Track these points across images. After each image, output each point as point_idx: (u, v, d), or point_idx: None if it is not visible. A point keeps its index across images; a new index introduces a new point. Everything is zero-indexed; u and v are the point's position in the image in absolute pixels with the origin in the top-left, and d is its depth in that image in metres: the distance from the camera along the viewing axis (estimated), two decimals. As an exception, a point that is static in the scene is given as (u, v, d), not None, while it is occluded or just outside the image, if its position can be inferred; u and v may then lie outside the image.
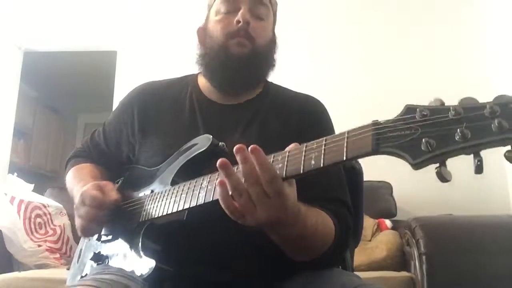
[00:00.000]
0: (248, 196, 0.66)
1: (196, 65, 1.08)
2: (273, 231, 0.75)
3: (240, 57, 0.98)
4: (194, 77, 1.11)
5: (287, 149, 0.68)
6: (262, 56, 1.02)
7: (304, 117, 1.01)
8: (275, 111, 1.02)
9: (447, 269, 1.92)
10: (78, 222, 0.94)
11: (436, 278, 1.90)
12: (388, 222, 2.43)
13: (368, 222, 2.35)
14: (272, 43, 1.06)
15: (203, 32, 1.07)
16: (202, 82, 1.09)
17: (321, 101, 1.09)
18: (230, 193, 0.67)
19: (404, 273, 2.04)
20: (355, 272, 1.01)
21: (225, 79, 1.02)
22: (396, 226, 2.39)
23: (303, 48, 3.02)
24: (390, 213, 2.55)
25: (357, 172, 1.16)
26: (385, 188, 2.59)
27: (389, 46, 3.04)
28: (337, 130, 1.02)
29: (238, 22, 0.98)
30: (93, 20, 3.38)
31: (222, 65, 1.00)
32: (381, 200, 2.57)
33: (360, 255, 2.11)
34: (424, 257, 1.93)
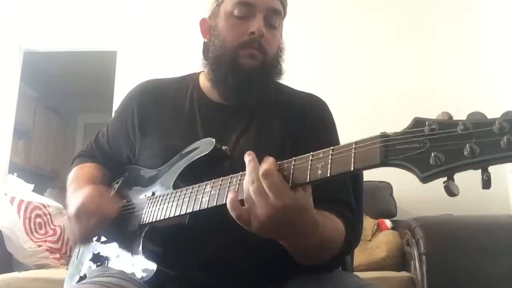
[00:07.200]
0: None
1: (200, 61, 1.04)
2: (291, 244, 0.75)
3: (250, 69, 0.95)
4: (195, 76, 1.08)
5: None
6: (271, 67, 0.99)
7: (306, 117, 0.99)
8: (276, 111, 1.00)
9: (447, 269, 1.92)
10: (72, 235, 0.95)
11: (436, 278, 1.90)
12: (388, 222, 2.43)
13: (368, 222, 2.35)
14: (280, 50, 1.02)
15: (209, 27, 1.02)
16: (204, 81, 1.06)
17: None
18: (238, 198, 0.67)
19: (404, 273, 2.04)
20: (355, 272, 1.01)
21: (231, 89, 0.98)
22: (396, 226, 2.39)
23: (303, 48, 3.01)
24: (390, 213, 2.55)
25: (357, 173, 1.15)
26: (385, 188, 2.58)
27: (389, 46, 3.03)
28: (338, 131, 1.02)
29: (253, 33, 0.94)
30: (93, 20, 3.37)
31: (230, 75, 0.96)
32: (381, 200, 2.57)
33: (360, 255, 2.12)
34: (424, 257, 1.93)
